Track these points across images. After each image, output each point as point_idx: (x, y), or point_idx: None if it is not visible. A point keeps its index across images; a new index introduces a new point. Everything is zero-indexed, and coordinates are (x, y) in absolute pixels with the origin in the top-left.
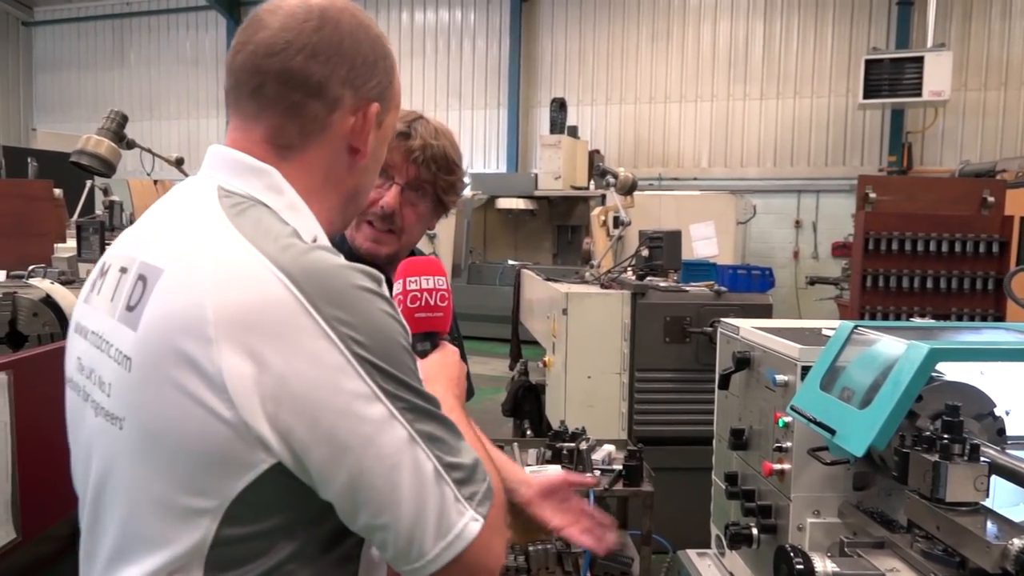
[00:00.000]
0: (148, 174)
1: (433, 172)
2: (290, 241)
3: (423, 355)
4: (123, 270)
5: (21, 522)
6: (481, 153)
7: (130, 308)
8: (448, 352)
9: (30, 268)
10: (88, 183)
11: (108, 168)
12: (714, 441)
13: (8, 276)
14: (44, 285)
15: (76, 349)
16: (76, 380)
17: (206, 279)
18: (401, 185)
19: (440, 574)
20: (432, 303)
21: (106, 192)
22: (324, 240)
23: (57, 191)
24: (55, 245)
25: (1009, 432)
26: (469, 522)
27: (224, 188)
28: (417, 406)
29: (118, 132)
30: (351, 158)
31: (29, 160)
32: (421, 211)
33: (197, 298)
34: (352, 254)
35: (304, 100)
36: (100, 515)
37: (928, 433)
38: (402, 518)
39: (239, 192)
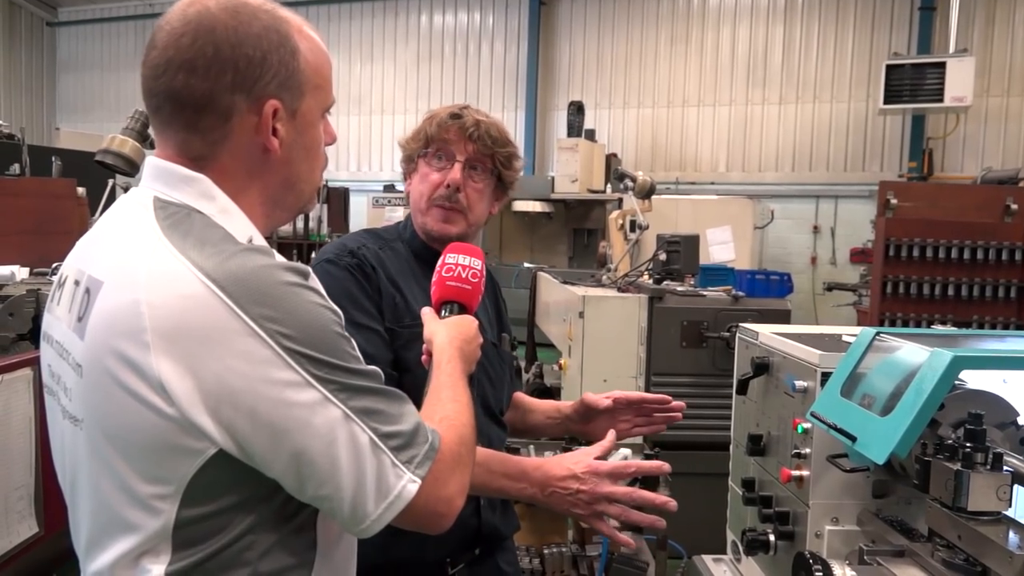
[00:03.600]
0: None
1: (489, 146)
2: (219, 247)
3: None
4: (76, 283)
5: (44, 517)
6: None
7: (79, 319)
8: (466, 318)
9: (53, 265)
10: (110, 182)
11: (132, 167)
12: (731, 446)
13: (32, 273)
14: None
15: (46, 356)
16: (49, 385)
17: (139, 289)
18: (462, 162)
19: (395, 522)
20: (464, 277)
21: (127, 191)
22: (259, 239)
23: (80, 189)
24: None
25: None
26: (407, 484)
27: (160, 199)
28: (351, 385)
29: (142, 132)
30: (265, 156)
31: (53, 159)
32: (482, 188)
33: (133, 306)
34: (422, 239)
35: (196, 116)
36: (76, 508)
37: (950, 441)
38: (344, 488)
39: (175, 201)
